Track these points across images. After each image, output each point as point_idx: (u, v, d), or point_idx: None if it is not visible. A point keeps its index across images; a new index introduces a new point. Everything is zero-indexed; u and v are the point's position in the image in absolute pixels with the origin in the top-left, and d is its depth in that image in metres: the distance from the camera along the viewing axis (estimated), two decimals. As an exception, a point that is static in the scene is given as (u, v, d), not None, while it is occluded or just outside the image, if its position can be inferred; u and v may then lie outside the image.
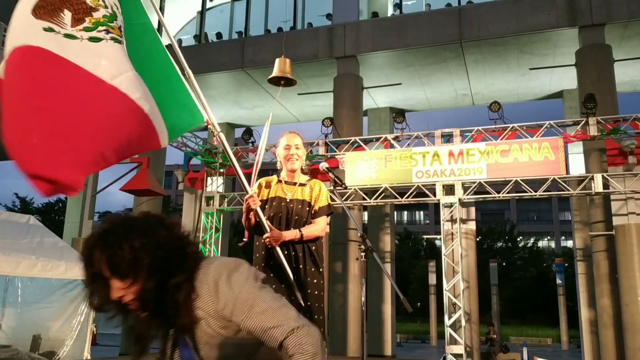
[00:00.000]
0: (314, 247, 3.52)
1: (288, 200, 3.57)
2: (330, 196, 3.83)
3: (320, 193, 3.60)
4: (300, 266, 3.44)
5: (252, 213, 3.42)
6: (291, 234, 3.43)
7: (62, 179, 2.20)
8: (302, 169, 3.75)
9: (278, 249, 3.35)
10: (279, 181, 3.68)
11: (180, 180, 14.19)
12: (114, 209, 69.96)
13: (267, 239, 3.35)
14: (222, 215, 13.01)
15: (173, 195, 43.08)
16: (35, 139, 2.19)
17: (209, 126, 3.10)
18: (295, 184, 3.65)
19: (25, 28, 2.41)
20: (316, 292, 3.43)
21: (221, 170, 12.97)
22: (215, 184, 12.94)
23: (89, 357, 9.35)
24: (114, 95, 2.44)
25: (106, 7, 2.62)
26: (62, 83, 2.37)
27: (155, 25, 3.08)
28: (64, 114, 2.29)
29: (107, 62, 2.48)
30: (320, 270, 3.50)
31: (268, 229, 3.36)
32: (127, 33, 2.77)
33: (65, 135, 2.26)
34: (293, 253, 3.45)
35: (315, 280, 3.45)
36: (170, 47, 3.08)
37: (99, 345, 17.59)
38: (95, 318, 9.64)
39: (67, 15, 2.48)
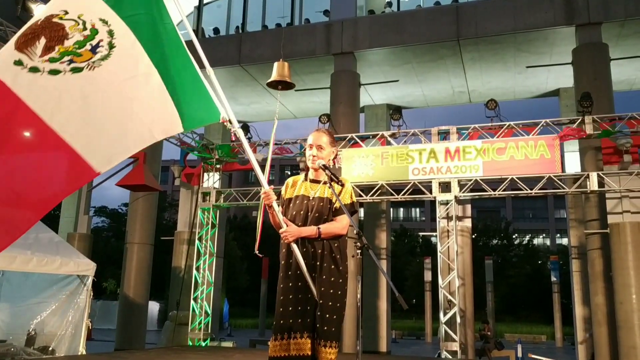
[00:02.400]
0: (335, 245, 3.44)
1: (311, 199, 3.53)
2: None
3: (343, 191, 3.52)
4: (318, 263, 3.38)
5: (271, 209, 3.39)
6: (308, 231, 3.38)
7: None
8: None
9: (294, 245, 3.33)
10: (305, 180, 3.65)
11: (176, 175, 14.18)
12: (110, 205, 69.79)
13: (283, 234, 3.36)
14: (218, 211, 13.01)
15: (169, 190, 43.05)
16: None
17: (224, 123, 3.12)
18: (319, 182, 3.60)
19: (1, 58, 2.72)
20: (331, 291, 3.34)
21: (217, 166, 12.96)
22: (211, 180, 12.94)
23: (84, 352, 9.35)
24: (45, 143, 2.68)
25: (84, 29, 2.86)
26: (4, 127, 2.63)
27: (176, 22, 3.21)
28: None
29: (54, 99, 2.72)
30: (340, 268, 3.41)
31: (284, 225, 3.36)
32: (150, 33, 3.00)
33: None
34: (312, 249, 3.39)
35: (332, 279, 3.36)
36: (191, 42, 3.23)
37: (94, 341, 17.59)
38: (90, 313, 9.63)
39: (40, 44, 2.77)
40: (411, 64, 14.69)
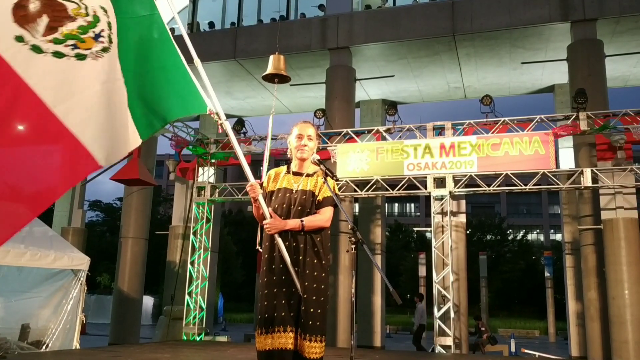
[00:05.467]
0: (318, 239, 3.43)
1: (294, 192, 3.51)
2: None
3: (328, 183, 3.50)
4: (301, 257, 3.36)
5: (257, 202, 3.38)
6: (292, 223, 3.37)
7: None
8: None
9: (279, 238, 3.32)
10: (288, 172, 3.63)
11: (171, 170, 14.14)
12: (104, 199, 69.60)
13: (266, 225, 3.34)
14: (213, 206, 12.99)
15: (164, 185, 42.92)
16: None
17: (212, 115, 3.10)
18: (302, 174, 3.58)
19: None
20: (315, 285, 3.33)
21: (212, 160, 12.93)
22: (206, 175, 12.91)
23: (78, 347, 9.34)
24: (47, 130, 2.51)
25: (87, 14, 2.68)
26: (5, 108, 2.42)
27: (168, 19, 3.16)
28: None
29: (58, 83, 2.54)
30: (323, 262, 3.41)
31: (268, 216, 3.35)
32: (131, 24, 2.87)
33: None
34: (294, 244, 3.38)
35: (315, 273, 3.36)
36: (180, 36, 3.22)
37: (88, 335, 17.56)
38: (84, 308, 9.62)
39: (43, 22, 2.53)
40: (407, 59, 14.69)
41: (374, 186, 11.28)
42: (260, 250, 3.59)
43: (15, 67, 2.43)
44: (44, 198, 2.56)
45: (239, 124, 12.79)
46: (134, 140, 2.85)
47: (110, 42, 2.77)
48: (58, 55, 2.55)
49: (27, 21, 2.49)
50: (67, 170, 2.62)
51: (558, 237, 44.72)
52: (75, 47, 2.62)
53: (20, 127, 2.46)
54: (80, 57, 2.64)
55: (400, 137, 11.49)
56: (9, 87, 2.42)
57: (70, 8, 2.63)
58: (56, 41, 2.55)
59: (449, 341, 10.08)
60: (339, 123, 13.28)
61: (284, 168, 3.68)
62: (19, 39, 2.46)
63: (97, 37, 2.72)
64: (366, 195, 11.69)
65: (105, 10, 2.78)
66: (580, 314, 12.97)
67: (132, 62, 2.88)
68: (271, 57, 9.04)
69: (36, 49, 2.50)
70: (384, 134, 11.69)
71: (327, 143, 11.79)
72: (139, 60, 2.94)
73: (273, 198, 3.54)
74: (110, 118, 2.73)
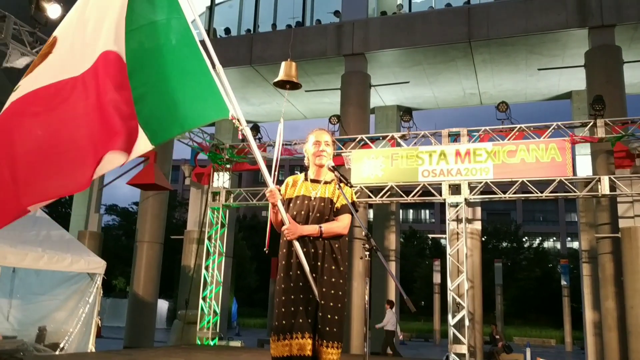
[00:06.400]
0: (336, 245, 3.43)
1: (312, 199, 3.50)
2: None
3: (344, 190, 3.48)
4: (319, 263, 3.35)
5: (275, 208, 3.38)
6: (310, 229, 3.36)
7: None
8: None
9: (297, 244, 3.31)
10: (305, 179, 3.62)
11: (186, 175, 14.25)
12: (120, 203, 70.18)
13: (285, 231, 3.34)
14: (227, 211, 13.04)
15: (179, 189, 43.18)
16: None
17: (233, 121, 3.13)
18: (320, 181, 3.57)
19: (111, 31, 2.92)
20: (332, 292, 3.32)
21: (227, 165, 13.00)
22: (221, 180, 12.98)
23: (94, 349, 9.41)
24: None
25: (51, 44, 2.98)
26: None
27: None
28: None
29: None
30: (341, 269, 3.39)
31: (287, 222, 3.34)
32: (158, 28, 3.05)
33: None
34: (313, 250, 3.37)
35: (333, 279, 3.35)
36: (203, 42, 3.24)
37: (103, 338, 17.69)
38: (100, 311, 9.70)
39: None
40: (422, 66, 14.66)
41: (389, 192, 11.25)
42: (267, 252, 3.60)
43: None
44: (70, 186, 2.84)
45: (254, 130, 12.85)
46: (144, 145, 2.93)
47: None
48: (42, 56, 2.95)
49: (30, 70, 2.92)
50: (125, 143, 2.86)
51: (575, 245, 44.19)
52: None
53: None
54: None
55: (415, 143, 11.47)
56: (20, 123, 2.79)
57: (42, 53, 3.03)
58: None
59: (463, 349, 9.99)
60: (354, 129, 13.28)
61: (301, 175, 3.68)
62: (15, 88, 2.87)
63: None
64: (380, 202, 11.66)
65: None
66: (598, 323, 12.79)
67: (142, 69, 2.97)
68: (283, 64, 9.09)
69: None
70: (399, 140, 11.67)
71: (342, 149, 11.79)
72: (152, 67, 3.00)
73: (291, 205, 3.54)
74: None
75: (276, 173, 3.79)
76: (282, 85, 9.09)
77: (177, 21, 3.09)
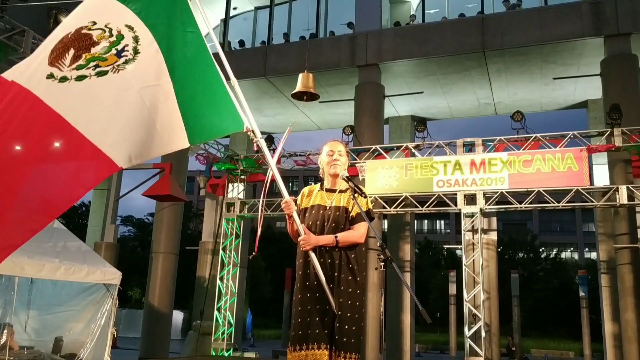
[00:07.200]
0: (352, 255, 3.42)
1: (327, 208, 3.50)
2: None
3: (359, 199, 3.48)
4: (336, 274, 3.35)
5: (291, 219, 3.39)
6: (326, 239, 3.36)
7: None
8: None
9: (312, 254, 3.30)
10: (321, 189, 3.63)
11: (201, 186, 14.33)
12: (136, 214, 70.70)
13: (301, 242, 3.34)
14: (242, 222, 13.08)
15: (195, 201, 43.43)
16: None
17: (248, 133, 3.15)
18: (335, 191, 3.58)
19: (34, 70, 2.87)
20: (349, 302, 3.32)
21: (242, 176, 13.05)
22: (236, 191, 13.03)
23: (109, 360, 9.45)
24: (71, 144, 2.81)
25: (110, 35, 2.98)
26: (38, 134, 2.77)
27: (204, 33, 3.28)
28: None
29: (79, 102, 2.85)
30: (358, 279, 3.39)
31: (302, 233, 3.34)
32: (173, 40, 3.10)
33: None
34: (329, 260, 3.36)
35: (350, 290, 3.35)
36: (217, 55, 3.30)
37: (119, 349, 17.76)
38: (115, 322, 9.75)
39: (69, 55, 2.90)
40: (436, 76, 14.64)
41: (403, 203, 11.21)
42: (255, 254, 3.62)
43: (46, 101, 2.80)
44: (64, 201, 2.82)
45: (268, 141, 12.90)
46: (182, 141, 2.99)
47: (136, 53, 2.98)
48: (80, 79, 2.87)
49: (57, 59, 2.89)
50: (87, 174, 2.87)
51: (593, 255, 43.60)
52: (97, 66, 2.91)
53: (51, 146, 2.81)
54: (102, 73, 2.90)
55: (429, 153, 11.43)
56: (43, 118, 2.79)
57: (95, 35, 2.96)
58: (79, 67, 2.89)
59: (480, 361, 9.88)
60: (368, 139, 13.27)
61: (317, 186, 3.69)
62: (49, 76, 2.85)
63: (119, 52, 2.95)
64: (395, 212, 11.62)
65: (131, 28, 3.01)
66: (617, 335, 12.57)
67: (179, 68, 3.07)
68: (300, 75, 9.15)
69: (62, 79, 2.85)
70: (413, 150, 11.64)
71: (356, 160, 11.79)
72: (183, 72, 3.10)
73: (307, 215, 3.54)
74: (140, 120, 2.91)
75: (269, 181, 3.81)
76: (300, 96, 9.15)
77: (192, 35, 3.15)
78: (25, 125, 2.78)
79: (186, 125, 2.98)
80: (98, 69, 2.90)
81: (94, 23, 2.99)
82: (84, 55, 2.91)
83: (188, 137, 2.99)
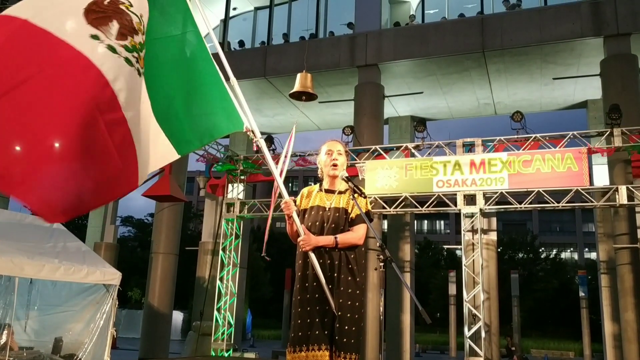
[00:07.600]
0: (352, 256, 3.42)
1: (327, 209, 3.50)
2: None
3: (359, 200, 3.48)
4: (335, 275, 3.35)
5: (290, 219, 3.39)
6: (326, 240, 3.36)
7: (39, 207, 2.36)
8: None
9: (312, 255, 3.31)
10: (320, 190, 3.62)
11: (201, 186, 14.33)
12: (135, 214, 70.69)
13: (301, 242, 3.34)
14: (242, 222, 13.07)
15: (194, 201, 43.45)
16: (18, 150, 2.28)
17: (248, 133, 3.15)
18: (334, 192, 3.57)
19: (70, 25, 2.47)
20: (349, 303, 3.32)
21: (242, 177, 13.05)
22: (235, 191, 13.02)
23: (109, 361, 9.45)
24: (120, 130, 2.54)
25: (143, 33, 2.73)
26: (82, 95, 2.42)
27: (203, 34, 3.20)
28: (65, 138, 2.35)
29: (128, 89, 2.57)
30: (357, 280, 3.40)
31: (302, 233, 3.35)
32: (173, 42, 2.95)
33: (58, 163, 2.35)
34: (329, 261, 3.36)
35: (350, 290, 3.35)
36: (216, 54, 3.24)
37: (118, 349, 17.75)
38: (115, 322, 9.75)
39: (114, 26, 2.55)
40: (435, 76, 14.64)
41: (403, 203, 11.20)
42: (267, 258, 3.61)
43: (94, 61, 2.45)
44: (94, 200, 2.58)
45: (268, 141, 12.90)
46: (170, 155, 2.90)
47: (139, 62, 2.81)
48: (128, 62, 2.59)
49: (100, 24, 2.51)
50: (117, 183, 2.63)
51: (592, 255, 43.61)
52: (137, 61, 2.66)
53: (100, 118, 2.45)
54: (138, 73, 2.70)
55: (429, 153, 11.43)
56: (90, 78, 2.44)
57: (135, 21, 2.66)
58: (127, 49, 2.58)
59: (480, 361, 9.88)
60: (368, 140, 13.27)
61: (316, 186, 3.68)
62: (95, 37, 2.49)
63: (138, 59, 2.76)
64: (395, 212, 11.62)
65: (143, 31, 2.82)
66: (617, 335, 12.57)
67: (159, 81, 2.89)
68: (298, 75, 9.15)
69: (111, 49, 2.52)
70: (413, 150, 11.64)
71: (356, 160, 11.79)
72: (169, 80, 2.97)
73: (306, 216, 3.54)
74: (144, 136, 2.77)
75: (284, 171, 3.79)
76: (298, 96, 9.15)
77: (192, 35, 3.10)
78: (73, 84, 2.38)
79: (170, 137, 2.87)
80: (137, 66, 2.66)
81: (131, 5, 2.66)
82: (129, 38, 2.60)
83: (175, 147, 2.89)
